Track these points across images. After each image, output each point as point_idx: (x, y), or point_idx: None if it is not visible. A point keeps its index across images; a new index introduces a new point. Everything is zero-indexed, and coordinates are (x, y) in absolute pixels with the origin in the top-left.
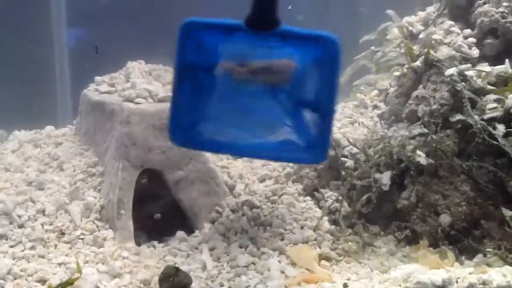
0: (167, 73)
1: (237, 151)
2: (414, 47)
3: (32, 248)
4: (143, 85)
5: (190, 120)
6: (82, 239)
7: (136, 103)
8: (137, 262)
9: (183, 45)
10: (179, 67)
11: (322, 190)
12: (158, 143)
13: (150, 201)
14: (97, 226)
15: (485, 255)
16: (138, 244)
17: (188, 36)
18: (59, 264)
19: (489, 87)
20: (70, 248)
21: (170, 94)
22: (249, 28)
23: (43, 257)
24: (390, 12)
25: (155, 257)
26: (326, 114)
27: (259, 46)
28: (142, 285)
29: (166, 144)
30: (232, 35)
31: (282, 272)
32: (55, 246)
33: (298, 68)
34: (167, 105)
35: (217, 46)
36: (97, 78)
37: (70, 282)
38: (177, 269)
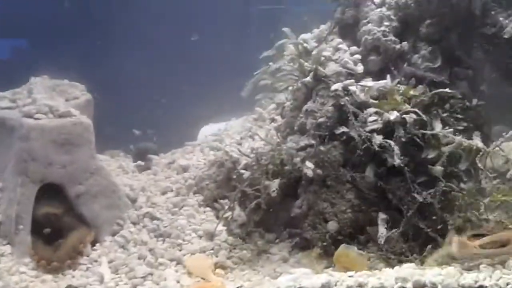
0: (72, 88)
1: None
2: (307, 63)
3: None
4: (44, 100)
5: None
6: None
7: (36, 118)
8: (34, 277)
9: None
10: None
11: (221, 201)
12: (58, 158)
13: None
14: None
15: (368, 259)
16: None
17: None
18: None
19: (372, 100)
20: None
21: (71, 109)
22: None
23: None
24: (286, 29)
25: (53, 272)
26: None
27: None
28: None
29: (67, 159)
30: None
31: (178, 282)
32: None
33: None
34: (67, 120)
35: None
36: None
37: None
38: None
